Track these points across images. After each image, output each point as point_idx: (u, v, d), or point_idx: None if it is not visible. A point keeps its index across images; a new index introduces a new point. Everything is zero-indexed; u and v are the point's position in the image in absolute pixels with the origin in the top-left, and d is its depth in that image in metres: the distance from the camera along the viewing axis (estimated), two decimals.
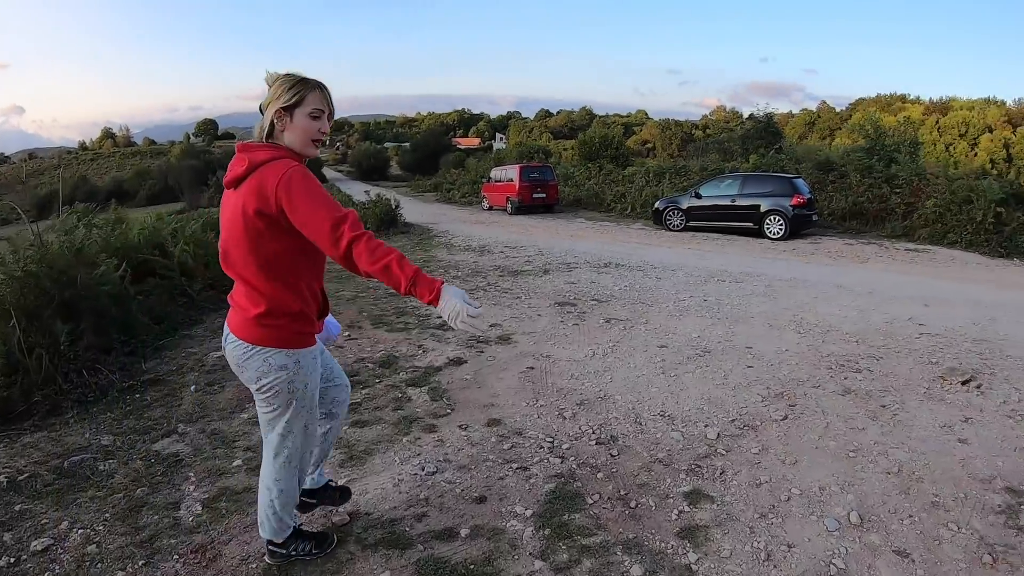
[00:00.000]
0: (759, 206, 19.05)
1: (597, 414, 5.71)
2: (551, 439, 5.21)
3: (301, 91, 2.70)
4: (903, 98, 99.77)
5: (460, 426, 5.47)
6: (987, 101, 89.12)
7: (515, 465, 4.77)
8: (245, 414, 5.63)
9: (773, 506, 4.26)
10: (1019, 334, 8.62)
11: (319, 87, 2.74)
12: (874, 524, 4.06)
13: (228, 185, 2.72)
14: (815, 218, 19.66)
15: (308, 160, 2.85)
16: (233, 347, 2.87)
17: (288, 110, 2.71)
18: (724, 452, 4.99)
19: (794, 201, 18.66)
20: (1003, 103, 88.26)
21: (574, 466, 4.78)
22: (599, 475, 4.65)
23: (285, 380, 2.84)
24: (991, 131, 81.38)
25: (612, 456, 4.94)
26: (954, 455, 5.02)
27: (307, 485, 3.62)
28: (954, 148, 76.84)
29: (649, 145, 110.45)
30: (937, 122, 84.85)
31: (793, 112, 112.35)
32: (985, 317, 9.49)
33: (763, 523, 4.07)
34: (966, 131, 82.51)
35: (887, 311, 9.54)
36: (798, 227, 18.91)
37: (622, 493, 4.40)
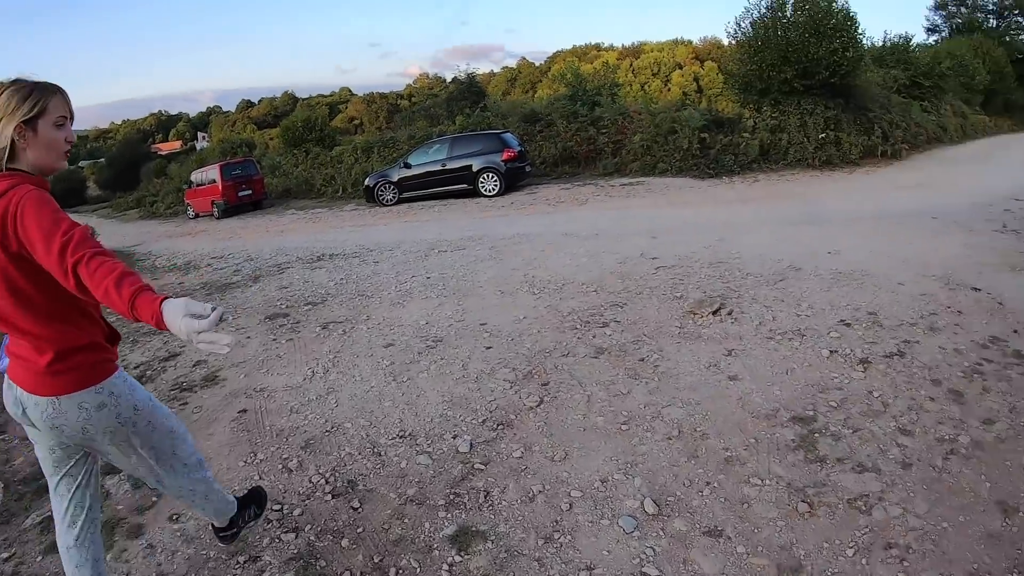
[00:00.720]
0: (471, 166, 19.10)
1: (328, 455, 4.62)
2: (279, 506, 4.08)
3: (41, 98, 2.42)
4: (598, 47, 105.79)
5: (171, 517, 4.10)
6: (676, 41, 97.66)
7: (243, 558, 3.65)
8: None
9: (556, 521, 3.62)
10: (751, 249, 9.10)
11: (58, 90, 2.49)
12: (673, 507, 3.63)
13: None
14: (528, 169, 20.16)
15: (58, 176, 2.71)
16: (37, 409, 2.57)
17: (30, 123, 2.40)
18: (483, 466, 4.25)
19: (505, 156, 18.88)
20: (690, 42, 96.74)
21: (312, 538, 3.75)
22: (343, 542, 3.68)
23: (112, 416, 2.61)
24: (681, 68, 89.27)
25: (355, 510, 3.96)
26: (730, 396, 4.83)
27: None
28: (649, 86, 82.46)
29: (356, 122, 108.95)
30: (631, 65, 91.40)
31: (495, 71, 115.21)
32: (714, 238, 9.97)
33: (551, 549, 3.42)
34: (659, 70, 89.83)
35: (617, 251, 9.55)
36: (513, 180, 19.30)
37: (376, 560, 3.50)
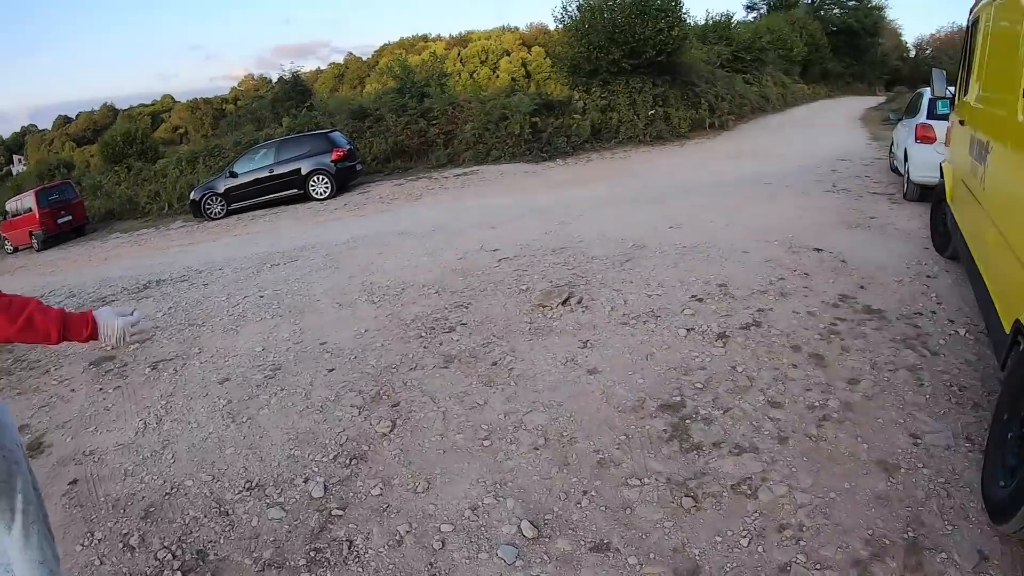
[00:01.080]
0: (300, 169, 18.33)
1: (171, 523, 3.91)
2: None
3: None
4: (425, 37, 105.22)
5: None
6: (503, 29, 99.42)
7: None
8: None
9: (431, 564, 3.23)
10: (593, 231, 9.02)
11: None
12: (553, 525, 3.35)
13: None
14: (359, 167, 19.64)
15: None
16: None
17: None
18: (341, 511, 3.76)
19: (334, 156, 18.28)
20: (517, 29, 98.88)
21: None
22: None
23: None
24: (509, 54, 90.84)
25: None
26: (592, 393, 4.61)
27: None
28: (478, 75, 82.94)
29: (181, 131, 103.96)
30: (459, 54, 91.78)
31: (322, 68, 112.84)
32: (555, 223, 9.87)
33: None
34: (486, 58, 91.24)
35: (457, 245, 9.25)
36: (345, 181, 18.78)
37: None
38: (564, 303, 6.28)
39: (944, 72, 7.81)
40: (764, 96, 31.30)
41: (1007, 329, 3.37)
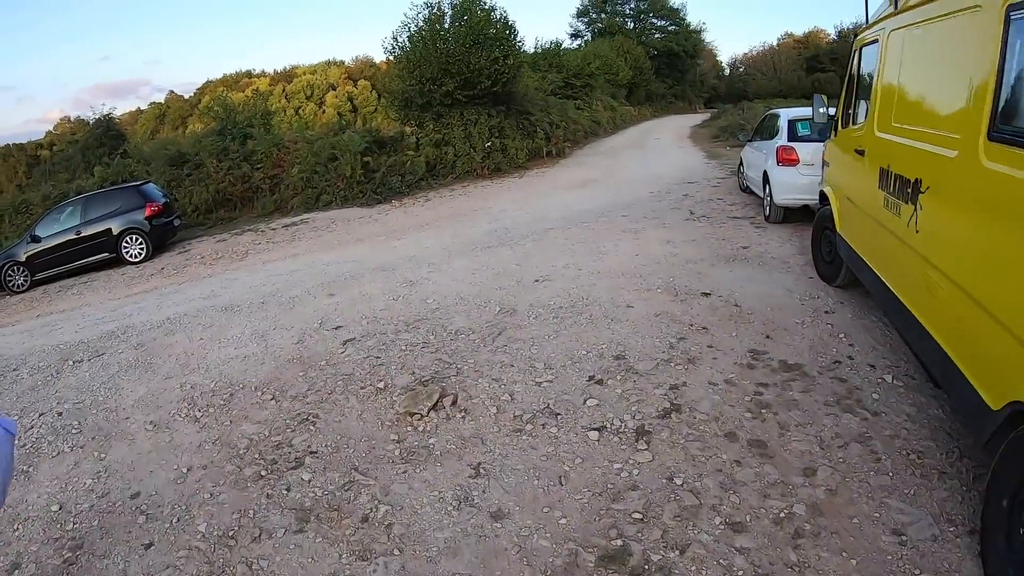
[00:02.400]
0: (111, 229, 15.69)
1: None
2: None
3: None
4: (249, 74, 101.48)
5: None
6: (328, 63, 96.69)
7: None
8: None
9: None
10: (449, 292, 7.99)
11: None
12: None
13: None
14: (178, 223, 17.15)
15: None
16: None
17: None
18: None
19: (148, 212, 15.77)
20: (343, 63, 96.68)
21: None
22: None
23: None
24: (335, 88, 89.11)
25: None
26: (505, 551, 3.49)
27: None
28: (304, 110, 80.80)
29: None
30: (284, 90, 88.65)
31: (143, 108, 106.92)
32: (401, 283, 8.68)
33: None
34: (312, 93, 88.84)
35: (292, 323, 7.66)
36: (161, 239, 16.30)
37: None
38: (435, 407, 4.99)
39: (824, 97, 7.56)
40: (595, 120, 31.42)
41: (993, 405, 2.99)
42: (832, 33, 64.44)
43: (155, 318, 8.94)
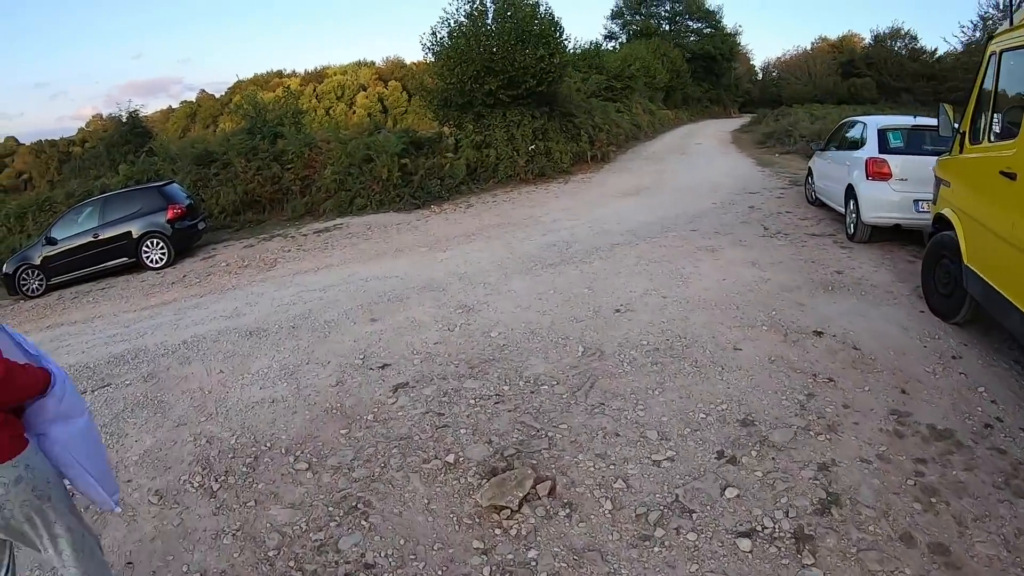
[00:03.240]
0: (131, 232, 14.59)
1: None
2: None
3: None
4: (280, 73, 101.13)
5: None
6: (359, 64, 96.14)
7: None
8: None
9: None
10: (512, 325, 6.85)
11: None
12: None
13: None
14: (202, 226, 15.90)
15: None
16: None
17: None
18: None
19: (170, 214, 14.61)
20: (373, 63, 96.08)
21: None
22: None
23: (29, 489, 2.57)
24: (365, 89, 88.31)
25: None
26: None
27: None
28: (334, 111, 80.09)
29: (26, 176, 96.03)
30: (315, 90, 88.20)
31: (174, 107, 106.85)
32: (455, 308, 7.58)
33: None
34: (343, 93, 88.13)
35: (328, 356, 6.41)
36: (184, 244, 15.09)
37: None
38: (528, 498, 3.75)
39: (948, 107, 6.47)
40: (636, 124, 30.08)
41: None
42: (867, 37, 62.93)
43: (171, 340, 7.75)
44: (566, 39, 20.30)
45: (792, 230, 10.14)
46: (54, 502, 2.66)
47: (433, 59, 20.17)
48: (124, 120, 32.54)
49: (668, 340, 5.87)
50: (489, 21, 19.06)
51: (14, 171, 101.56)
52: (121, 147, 30.08)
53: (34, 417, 2.76)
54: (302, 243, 13.73)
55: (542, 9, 19.48)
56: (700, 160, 21.65)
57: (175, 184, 16.17)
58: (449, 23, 19.59)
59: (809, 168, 12.59)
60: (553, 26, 19.45)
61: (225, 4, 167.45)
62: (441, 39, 19.59)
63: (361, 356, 6.25)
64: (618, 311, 6.79)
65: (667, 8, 55.99)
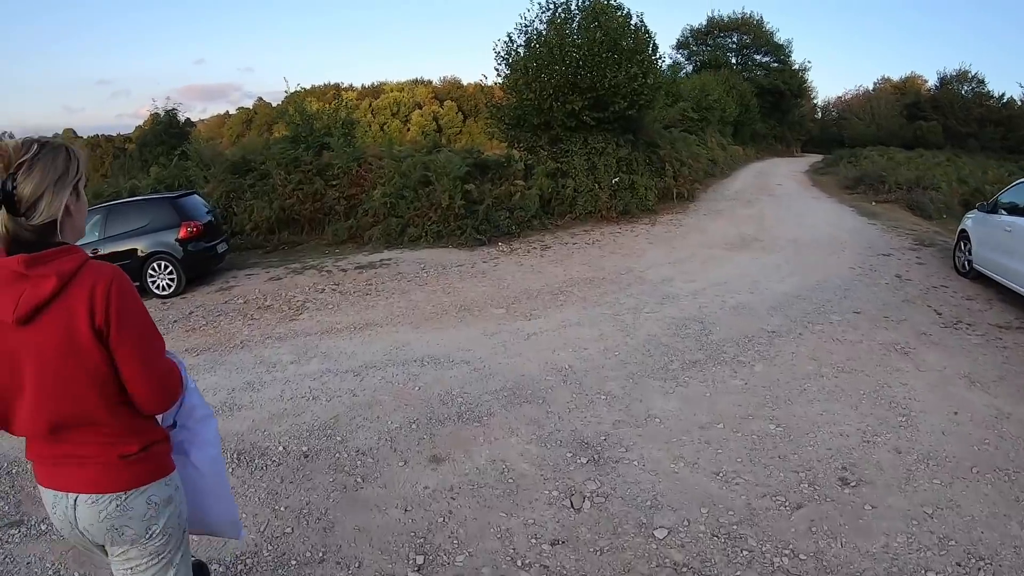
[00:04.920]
0: (136, 250, 11.61)
1: None
2: None
3: (79, 159, 1.99)
4: (338, 87, 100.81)
5: None
6: (416, 82, 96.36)
7: None
8: None
9: None
10: (694, 499, 4.07)
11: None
12: None
13: (23, 319, 1.82)
14: (223, 248, 12.85)
15: None
16: (97, 509, 2.01)
17: (77, 187, 1.99)
18: None
19: (183, 233, 11.59)
20: (430, 82, 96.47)
21: None
22: None
23: (175, 514, 2.18)
24: (421, 107, 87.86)
25: None
26: None
27: None
28: (389, 126, 79.24)
29: None
30: (371, 105, 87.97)
31: (231, 112, 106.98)
32: (574, 444, 4.87)
33: None
34: (398, 110, 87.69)
35: (360, 552, 3.75)
36: (199, 269, 12.07)
37: None
38: None
39: None
40: (712, 159, 26.97)
41: None
42: (932, 80, 59.51)
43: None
44: (660, 57, 17.32)
45: (970, 316, 7.52)
46: (183, 541, 2.22)
47: (508, 71, 17.05)
48: (161, 118, 29.63)
49: (953, 557, 3.10)
50: (575, 27, 16.03)
51: None
52: (155, 147, 27.35)
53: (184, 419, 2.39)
54: (340, 281, 10.76)
55: (634, 21, 16.42)
56: (795, 205, 18.64)
57: (196, 196, 13.06)
58: (527, 31, 16.66)
59: (963, 231, 9.92)
60: (648, 41, 16.43)
61: (288, 16, 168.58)
62: (517, 48, 16.65)
63: (414, 550, 3.30)
64: (844, 481, 3.90)
65: (735, 40, 52.99)
